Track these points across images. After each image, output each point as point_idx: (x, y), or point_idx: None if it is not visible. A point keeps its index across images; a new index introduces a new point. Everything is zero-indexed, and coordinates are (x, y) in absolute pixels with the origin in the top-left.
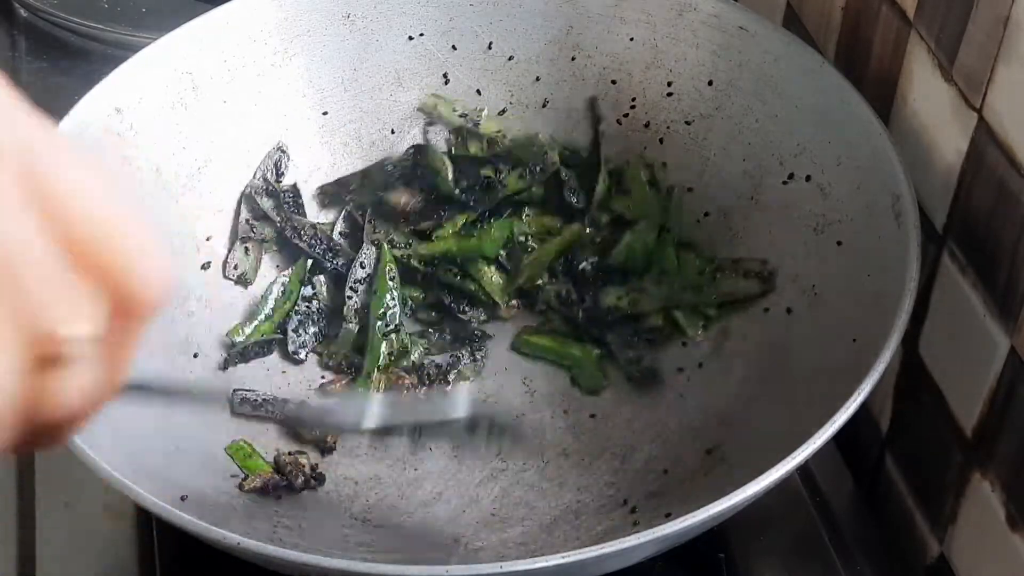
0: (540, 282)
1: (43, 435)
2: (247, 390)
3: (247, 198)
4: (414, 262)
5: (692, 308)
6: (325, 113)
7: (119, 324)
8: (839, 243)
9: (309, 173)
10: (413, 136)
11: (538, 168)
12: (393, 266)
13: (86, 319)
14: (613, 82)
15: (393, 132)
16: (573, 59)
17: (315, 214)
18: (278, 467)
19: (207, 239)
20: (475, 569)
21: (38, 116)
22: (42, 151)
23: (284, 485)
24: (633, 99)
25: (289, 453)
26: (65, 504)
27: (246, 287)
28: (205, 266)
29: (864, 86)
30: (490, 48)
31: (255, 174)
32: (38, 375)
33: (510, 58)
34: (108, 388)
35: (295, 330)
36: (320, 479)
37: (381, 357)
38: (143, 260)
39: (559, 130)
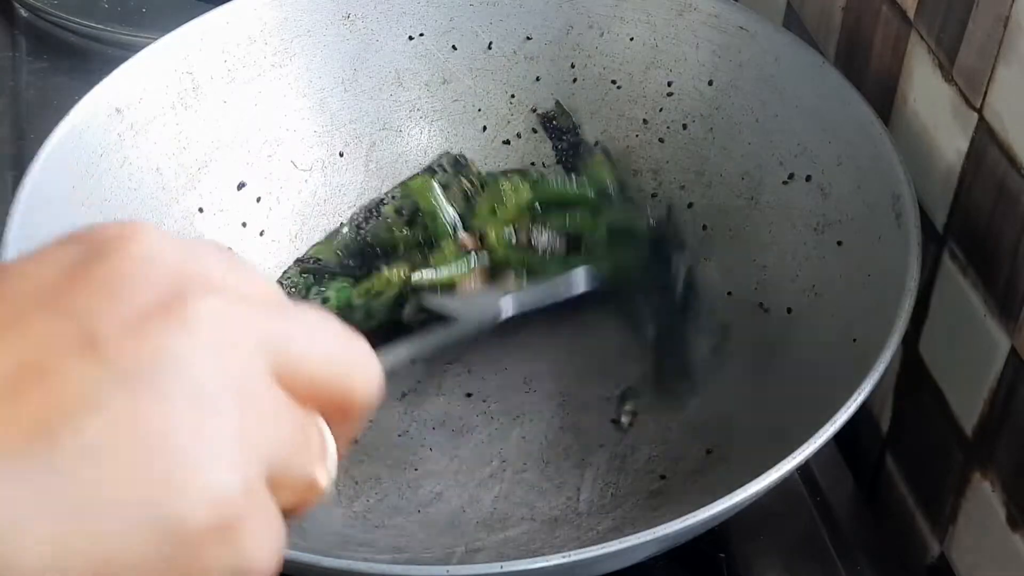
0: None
1: None
2: None
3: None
4: None
5: None
6: (325, 113)
7: (339, 432)
8: (839, 243)
9: (309, 173)
10: (414, 136)
11: None
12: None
13: (331, 460)
14: (613, 82)
15: (393, 132)
16: (573, 59)
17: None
18: None
19: (207, 239)
20: (475, 569)
21: (263, 294)
22: (275, 327)
23: None
24: (633, 99)
25: None
26: None
27: None
28: None
29: (864, 86)
30: (490, 48)
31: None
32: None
33: (510, 58)
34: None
35: None
36: None
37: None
38: (363, 378)
39: None
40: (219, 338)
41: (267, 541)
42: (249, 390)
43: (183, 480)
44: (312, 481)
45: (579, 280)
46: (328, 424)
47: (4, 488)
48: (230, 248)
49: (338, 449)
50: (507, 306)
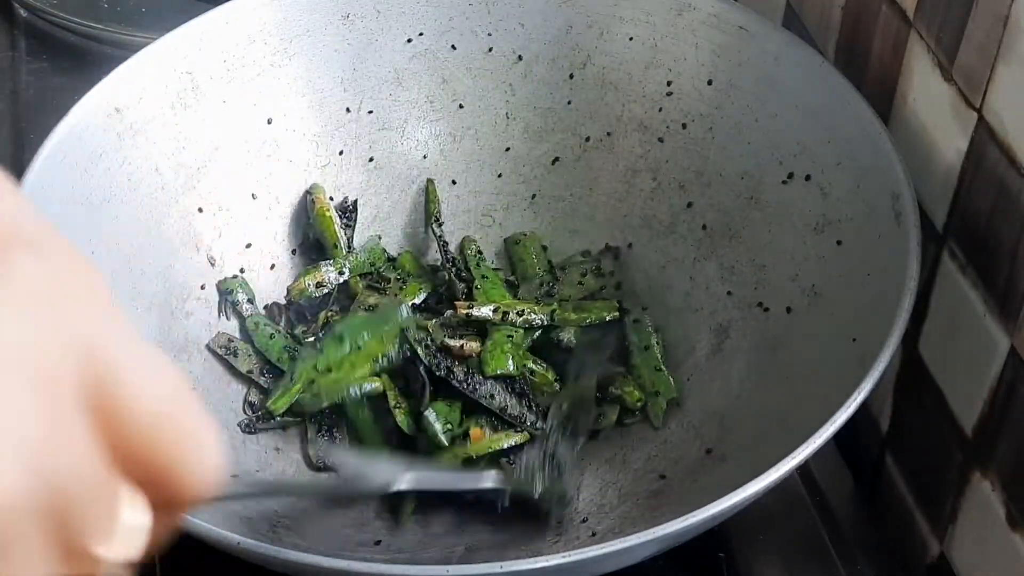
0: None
1: None
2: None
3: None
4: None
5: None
6: (325, 113)
7: (157, 516)
8: (839, 243)
9: (308, 173)
10: (413, 136)
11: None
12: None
13: (128, 541)
14: (612, 82)
15: (393, 131)
16: (572, 59)
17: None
18: None
19: (206, 239)
20: (475, 569)
21: (97, 293)
22: (105, 343)
23: None
24: (632, 99)
25: None
26: None
27: None
28: (209, 263)
29: (864, 86)
30: (490, 49)
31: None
32: None
33: (509, 58)
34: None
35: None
36: None
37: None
38: (196, 457)
39: (558, 129)
40: (32, 312)
41: None
42: (50, 394)
43: None
44: (90, 554)
45: (486, 479)
46: (148, 504)
47: None
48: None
49: (152, 536)
50: (403, 480)
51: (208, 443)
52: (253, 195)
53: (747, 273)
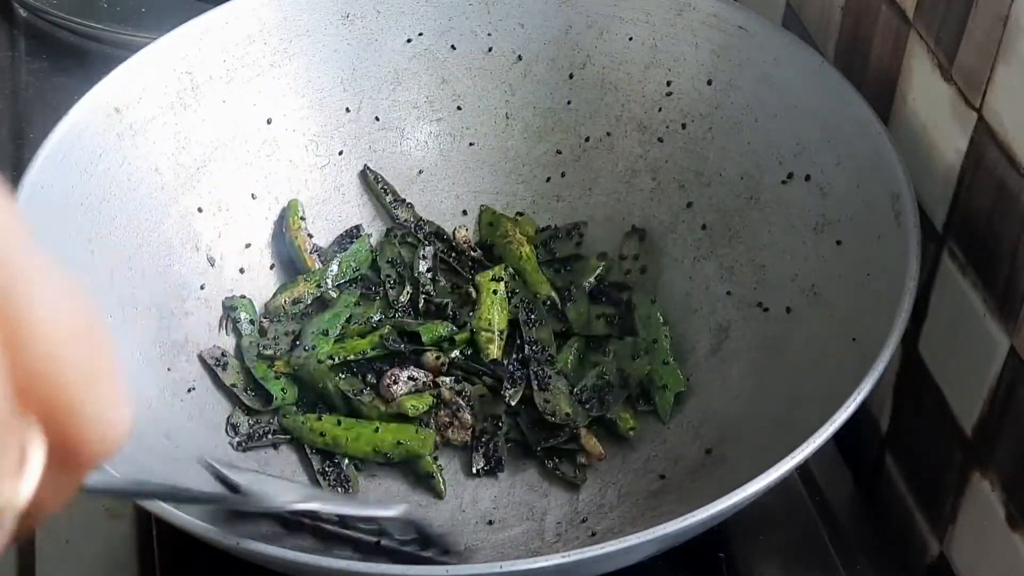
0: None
1: None
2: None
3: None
4: None
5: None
6: (325, 113)
7: (56, 472)
8: (839, 243)
9: (308, 173)
10: (413, 136)
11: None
12: None
13: (32, 483)
14: (612, 82)
15: (393, 131)
16: (572, 59)
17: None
18: None
19: (206, 239)
20: (475, 569)
21: (15, 223)
22: (19, 273)
23: None
24: (632, 99)
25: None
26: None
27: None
28: (208, 263)
29: (864, 86)
30: (490, 50)
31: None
32: None
33: (509, 58)
34: (19, 531)
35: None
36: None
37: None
38: (100, 403)
39: (558, 129)
40: None
41: None
42: None
43: None
44: None
45: (391, 509)
46: (49, 459)
47: None
48: None
49: (55, 494)
50: (297, 503)
51: (114, 393)
52: (253, 195)
53: (747, 273)
